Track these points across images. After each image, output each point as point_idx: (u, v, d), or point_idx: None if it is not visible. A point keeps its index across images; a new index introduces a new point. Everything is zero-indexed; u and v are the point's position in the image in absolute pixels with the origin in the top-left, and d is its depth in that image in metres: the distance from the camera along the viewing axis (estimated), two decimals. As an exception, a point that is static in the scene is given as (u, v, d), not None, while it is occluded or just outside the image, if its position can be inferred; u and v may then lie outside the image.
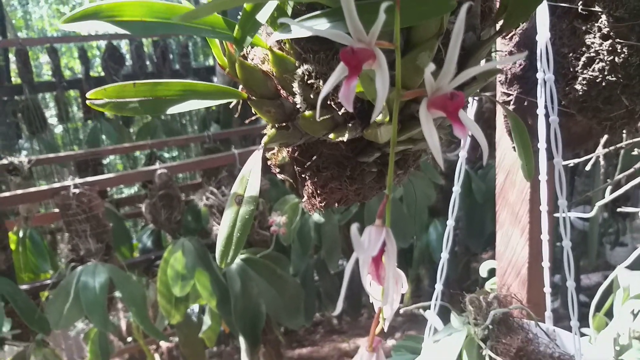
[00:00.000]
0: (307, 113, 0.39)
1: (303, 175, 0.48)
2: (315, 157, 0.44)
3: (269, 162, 0.46)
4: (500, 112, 0.72)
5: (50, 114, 4.07)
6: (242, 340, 2.30)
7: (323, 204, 0.49)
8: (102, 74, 3.33)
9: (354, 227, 0.23)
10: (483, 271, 1.04)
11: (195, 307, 2.72)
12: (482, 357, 0.62)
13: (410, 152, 0.47)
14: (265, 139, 0.41)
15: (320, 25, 0.31)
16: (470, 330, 0.64)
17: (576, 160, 0.96)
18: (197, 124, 3.62)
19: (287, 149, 0.46)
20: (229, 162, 2.41)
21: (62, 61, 4.04)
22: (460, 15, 0.24)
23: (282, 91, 0.41)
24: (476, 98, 0.68)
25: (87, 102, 0.36)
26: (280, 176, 0.46)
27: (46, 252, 2.58)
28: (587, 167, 1.09)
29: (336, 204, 0.52)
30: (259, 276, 2.33)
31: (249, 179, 0.39)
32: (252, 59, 0.40)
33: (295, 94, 0.39)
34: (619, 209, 0.91)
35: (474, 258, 3.26)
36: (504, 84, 0.65)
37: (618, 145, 0.96)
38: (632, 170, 0.83)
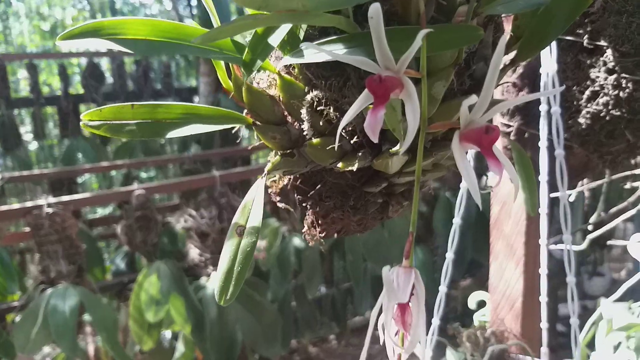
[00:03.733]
0: (315, 140, 0.37)
1: (304, 204, 0.45)
2: (319, 186, 0.42)
3: (269, 190, 0.44)
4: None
5: (26, 131, 3.98)
6: (216, 368, 2.23)
7: (323, 234, 0.47)
8: (81, 91, 3.29)
9: (386, 270, 0.21)
10: (472, 303, 1.02)
11: (168, 333, 2.64)
12: (480, 397, 0.59)
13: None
14: (268, 166, 0.38)
15: (338, 51, 0.29)
16: (467, 368, 0.61)
17: (570, 192, 0.96)
18: (177, 144, 3.58)
19: (290, 176, 0.43)
20: (209, 184, 2.37)
21: (41, 78, 3.96)
22: (499, 48, 0.23)
23: (288, 117, 0.39)
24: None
25: (82, 124, 0.34)
26: (280, 204, 0.44)
27: (15, 272, 2.48)
28: (572, 198, 1.09)
29: (336, 235, 0.49)
30: (236, 302, 2.28)
31: (252, 209, 0.36)
32: (258, 83, 0.38)
33: (303, 121, 0.37)
34: (608, 242, 0.90)
35: (453, 285, 3.25)
36: (505, 115, 0.64)
37: (605, 180, 0.96)
38: (624, 204, 0.82)
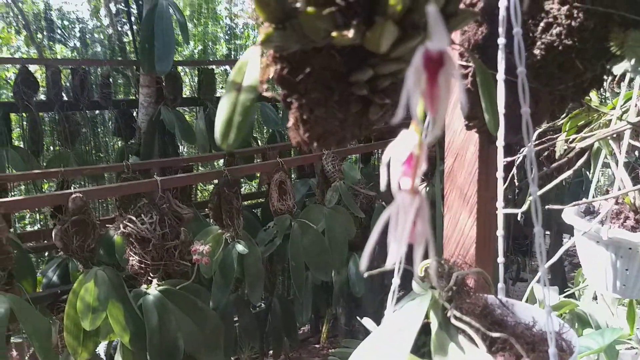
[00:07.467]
0: (310, 9, 0.39)
1: (289, 100, 0.47)
2: (307, 71, 0.43)
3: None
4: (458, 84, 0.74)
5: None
6: (156, 379, 2.14)
7: (307, 134, 0.48)
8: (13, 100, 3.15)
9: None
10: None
11: (104, 347, 2.51)
12: (448, 319, 0.61)
13: (401, 80, 0.47)
14: (262, 37, 0.40)
15: None
16: (434, 293, 0.63)
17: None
18: (114, 157, 3.48)
19: (276, 67, 0.45)
20: (150, 189, 2.31)
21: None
22: None
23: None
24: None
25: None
26: (267, 94, 0.45)
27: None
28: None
29: (316, 143, 0.51)
30: (178, 309, 2.21)
31: (247, 69, 0.37)
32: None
33: (297, -8, 0.39)
34: (547, 207, 0.95)
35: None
36: (463, 56, 0.68)
37: (554, 137, 1.03)
38: (563, 160, 0.88)
